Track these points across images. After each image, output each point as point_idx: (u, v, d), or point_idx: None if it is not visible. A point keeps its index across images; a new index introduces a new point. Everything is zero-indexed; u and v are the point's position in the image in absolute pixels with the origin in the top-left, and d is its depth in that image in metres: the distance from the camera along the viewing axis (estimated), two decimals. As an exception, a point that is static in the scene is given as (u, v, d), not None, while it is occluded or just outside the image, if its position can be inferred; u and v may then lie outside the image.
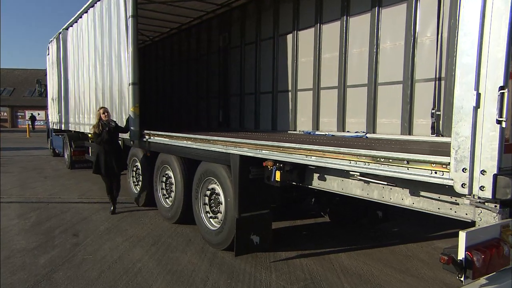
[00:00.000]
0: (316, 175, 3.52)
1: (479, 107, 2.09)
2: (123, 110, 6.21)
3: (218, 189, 4.47)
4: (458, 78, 2.14)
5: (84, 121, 8.50)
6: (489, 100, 2.06)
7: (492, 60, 2.03)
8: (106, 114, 5.84)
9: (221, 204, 4.43)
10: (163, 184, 5.75)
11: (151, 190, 6.00)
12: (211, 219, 4.64)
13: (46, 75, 12.30)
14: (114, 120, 6.14)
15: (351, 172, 3.00)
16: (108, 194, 6.10)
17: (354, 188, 3.17)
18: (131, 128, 5.89)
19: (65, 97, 9.98)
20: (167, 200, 5.67)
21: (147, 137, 5.80)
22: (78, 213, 6.11)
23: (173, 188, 5.40)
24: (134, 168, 6.75)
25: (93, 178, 9.18)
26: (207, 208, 4.68)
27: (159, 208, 5.81)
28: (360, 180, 2.96)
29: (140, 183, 6.47)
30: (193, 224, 4.94)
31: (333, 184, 3.36)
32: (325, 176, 3.41)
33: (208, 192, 4.68)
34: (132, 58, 5.76)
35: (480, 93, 2.08)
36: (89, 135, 6.16)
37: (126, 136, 6.14)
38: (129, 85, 5.79)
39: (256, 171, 3.95)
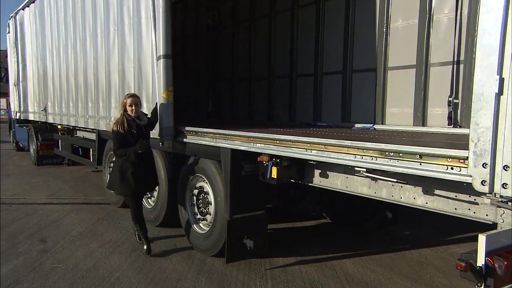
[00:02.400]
0: (317, 172, 3.52)
1: (502, 94, 2.07)
2: (144, 96, 5.03)
3: (207, 188, 4.47)
4: (478, 61, 2.13)
5: (55, 111, 8.39)
6: None
7: (518, 40, 2.01)
8: (134, 107, 4.32)
9: (211, 204, 4.43)
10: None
11: None
12: (199, 222, 4.65)
13: (6, 56, 12.08)
14: (146, 113, 4.69)
15: (356, 168, 2.99)
16: (136, 223, 4.60)
17: (360, 186, 3.17)
18: (162, 123, 4.60)
19: (28, 81, 9.82)
20: (149, 200, 5.67)
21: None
22: (46, 215, 6.07)
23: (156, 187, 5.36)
24: (111, 164, 6.68)
25: (64, 175, 9.15)
26: (195, 209, 4.69)
27: None
28: (366, 177, 2.97)
29: None
30: (179, 227, 4.94)
31: (336, 182, 3.36)
32: (327, 172, 3.41)
33: (196, 191, 4.68)
34: (164, 19, 4.45)
35: (503, 78, 2.06)
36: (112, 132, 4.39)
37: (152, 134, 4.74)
38: (159, 58, 4.55)
39: (249, 167, 3.96)
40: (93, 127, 6.74)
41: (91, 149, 7.54)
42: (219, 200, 4.21)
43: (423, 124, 4.70)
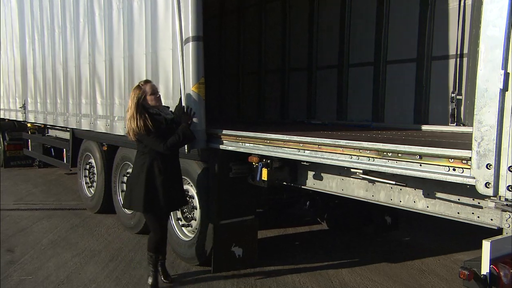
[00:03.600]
0: (310, 173, 3.52)
1: (507, 90, 2.08)
2: (162, 91, 4.28)
3: (192, 191, 4.47)
4: (482, 54, 2.14)
5: (37, 108, 7.87)
6: None
7: (524, 32, 2.03)
8: (156, 96, 3.76)
9: (196, 209, 4.42)
10: (124, 185, 5.66)
11: (109, 193, 5.96)
12: (183, 228, 4.64)
13: None
14: (168, 106, 4.13)
15: (352, 170, 3.01)
16: (154, 252, 3.88)
17: (356, 189, 3.19)
18: (192, 125, 3.88)
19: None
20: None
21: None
22: (14, 222, 5.99)
23: (137, 190, 5.35)
24: (87, 166, 6.67)
25: (34, 178, 9.02)
26: (179, 214, 4.68)
27: (119, 214, 5.77)
28: (363, 179, 2.97)
29: (94, 184, 6.39)
30: (161, 234, 4.90)
31: (331, 184, 3.37)
32: (322, 174, 3.42)
33: None
34: None
35: (508, 73, 2.07)
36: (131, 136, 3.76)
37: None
38: (187, 41, 3.90)
39: (238, 169, 3.97)
40: (88, 128, 6.05)
41: (64, 150, 7.44)
42: (205, 205, 4.20)
43: (424, 122, 4.75)
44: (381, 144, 2.67)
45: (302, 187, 3.65)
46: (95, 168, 6.34)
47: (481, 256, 2.06)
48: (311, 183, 3.54)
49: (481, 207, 2.49)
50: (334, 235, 5.50)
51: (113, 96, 5.42)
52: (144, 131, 3.60)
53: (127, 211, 5.49)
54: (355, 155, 2.80)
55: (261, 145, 3.49)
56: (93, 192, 6.47)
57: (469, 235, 5.16)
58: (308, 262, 4.55)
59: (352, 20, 5.55)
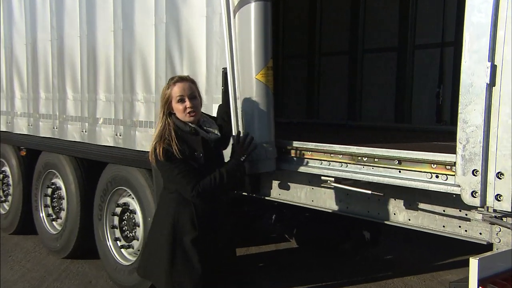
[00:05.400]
0: (275, 183, 3.50)
1: (494, 85, 2.12)
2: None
3: (134, 205, 4.44)
4: (466, 44, 2.18)
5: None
6: (509, 75, 2.09)
7: (514, 19, 2.07)
8: (191, 102, 2.77)
9: (138, 226, 4.40)
10: (48, 198, 5.58)
11: (28, 209, 5.84)
12: (122, 250, 4.59)
13: None
14: (211, 115, 3.21)
15: (323, 177, 2.98)
16: None
17: (328, 200, 3.18)
18: (256, 136, 3.00)
19: None
20: (54, 223, 5.55)
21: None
22: None
23: (64, 205, 5.29)
24: (0, 176, 6.47)
25: None
26: (117, 233, 4.63)
27: (42, 235, 5.66)
28: (335, 188, 2.97)
29: (9, 198, 6.25)
30: (96, 258, 4.84)
31: (299, 194, 3.36)
32: (288, 183, 3.41)
33: (118, 210, 4.64)
34: None
35: (496, 65, 2.10)
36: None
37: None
38: (244, 3, 3.04)
39: None
40: (4, 129, 5.60)
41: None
42: (149, 221, 4.06)
43: (407, 120, 4.86)
44: (355, 147, 2.69)
45: (266, 198, 3.61)
46: (10, 179, 6.18)
47: (468, 276, 2.06)
48: (276, 193, 3.51)
49: (468, 220, 2.53)
50: (304, 254, 5.53)
51: (38, 89, 5.19)
52: (164, 159, 2.68)
53: (52, 231, 5.38)
54: (326, 160, 2.81)
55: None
56: (7, 208, 6.31)
57: (459, 250, 5.32)
58: (275, 286, 4.56)
59: (324, 7, 5.60)
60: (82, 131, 4.73)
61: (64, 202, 5.26)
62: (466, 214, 2.52)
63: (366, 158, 2.63)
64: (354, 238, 5.13)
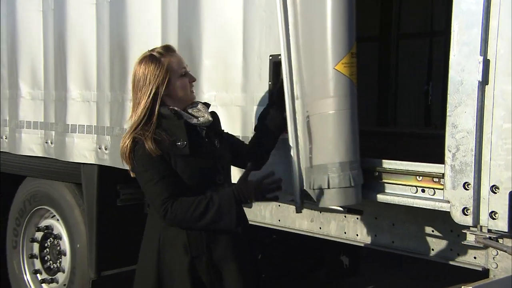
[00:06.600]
0: None
1: (487, 83, 2.14)
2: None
3: (59, 228, 4.41)
4: (455, 35, 2.21)
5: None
6: (503, 71, 2.11)
7: (508, 6, 2.08)
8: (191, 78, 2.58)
9: (65, 255, 4.35)
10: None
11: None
12: (44, 285, 4.56)
13: None
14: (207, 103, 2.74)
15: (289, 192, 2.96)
16: None
17: (298, 219, 3.22)
18: (325, 153, 2.62)
19: None
20: None
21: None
22: None
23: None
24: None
25: None
26: (38, 265, 4.58)
27: None
28: (305, 204, 2.89)
29: None
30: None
31: (263, 213, 3.41)
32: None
33: (38, 235, 4.59)
34: None
35: (488, 60, 2.13)
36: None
37: None
38: None
39: (130, 193, 3.96)
40: None
41: None
42: (79, 248, 4.11)
43: (391, 122, 4.90)
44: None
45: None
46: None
47: (461, 310, 2.11)
48: (235, 212, 3.48)
49: (461, 241, 2.52)
50: (272, 283, 5.44)
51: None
52: (136, 159, 2.38)
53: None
54: (291, 172, 2.79)
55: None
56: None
57: (451, 277, 5.35)
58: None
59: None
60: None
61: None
62: (458, 235, 2.54)
63: (339, 169, 2.62)
64: (330, 265, 5.14)
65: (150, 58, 2.44)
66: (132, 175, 2.49)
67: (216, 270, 2.43)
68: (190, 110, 2.53)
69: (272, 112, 2.79)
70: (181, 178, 2.36)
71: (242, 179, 2.36)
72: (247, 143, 2.85)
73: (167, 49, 2.52)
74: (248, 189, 2.32)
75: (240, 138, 2.93)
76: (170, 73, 2.43)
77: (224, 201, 2.30)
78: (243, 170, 2.46)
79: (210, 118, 2.54)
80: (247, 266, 2.54)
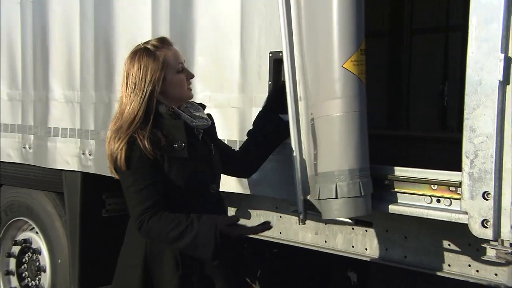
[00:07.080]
0: (231, 210, 3.52)
1: (508, 83, 2.12)
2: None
3: (38, 242, 4.40)
4: (473, 30, 2.19)
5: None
6: None
7: (531, -1, 2.10)
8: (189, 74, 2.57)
9: (44, 271, 4.36)
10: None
11: None
12: None
13: None
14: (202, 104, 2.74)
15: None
16: None
17: (301, 232, 3.21)
18: (331, 158, 2.57)
19: None
20: None
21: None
22: None
23: None
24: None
25: None
26: (14, 282, 4.61)
27: None
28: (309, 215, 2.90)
29: None
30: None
31: None
32: (249, 210, 3.45)
33: (15, 249, 4.61)
34: None
35: (510, 58, 2.11)
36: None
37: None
38: None
39: (116, 202, 3.95)
40: None
41: None
42: (60, 264, 4.12)
43: (403, 126, 4.91)
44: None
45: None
46: None
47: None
48: (232, 223, 3.46)
49: (480, 257, 2.50)
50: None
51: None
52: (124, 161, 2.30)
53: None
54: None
55: None
56: None
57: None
58: None
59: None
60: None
61: None
62: (477, 250, 2.53)
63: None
64: (336, 282, 5.08)
65: (144, 51, 2.38)
66: (116, 176, 2.42)
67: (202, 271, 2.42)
68: (189, 110, 2.52)
69: (270, 115, 2.78)
70: (171, 185, 2.34)
71: (232, 221, 2.36)
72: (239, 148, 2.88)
73: (163, 42, 2.45)
74: (232, 233, 2.28)
75: (238, 143, 2.94)
76: (166, 68, 2.38)
77: (203, 232, 2.22)
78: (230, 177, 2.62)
79: (209, 122, 2.55)
80: (234, 284, 2.62)
